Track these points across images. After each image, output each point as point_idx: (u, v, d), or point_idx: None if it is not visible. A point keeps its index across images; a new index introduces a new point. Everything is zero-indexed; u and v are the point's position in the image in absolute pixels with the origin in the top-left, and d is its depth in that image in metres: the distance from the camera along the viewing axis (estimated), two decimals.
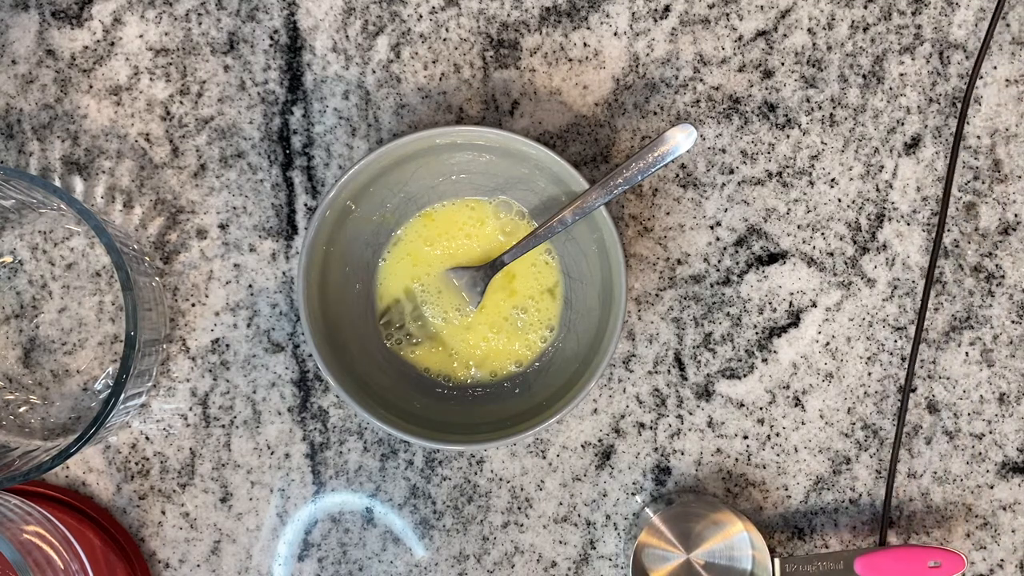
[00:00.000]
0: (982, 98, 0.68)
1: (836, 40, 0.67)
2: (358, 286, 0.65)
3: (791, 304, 0.68)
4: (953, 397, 0.68)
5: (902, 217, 0.68)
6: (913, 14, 0.68)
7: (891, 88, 0.68)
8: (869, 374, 0.68)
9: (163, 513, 0.66)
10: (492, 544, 0.67)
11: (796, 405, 0.68)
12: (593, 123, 0.67)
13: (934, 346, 0.68)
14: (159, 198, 0.67)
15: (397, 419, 0.60)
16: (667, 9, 0.67)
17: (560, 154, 0.59)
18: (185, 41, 0.67)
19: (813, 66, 0.67)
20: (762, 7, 0.67)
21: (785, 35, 0.67)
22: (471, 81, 0.67)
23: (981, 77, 0.68)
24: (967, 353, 0.68)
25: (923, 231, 0.68)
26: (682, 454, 0.67)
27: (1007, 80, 0.68)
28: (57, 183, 0.66)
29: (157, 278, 0.65)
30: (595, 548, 0.67)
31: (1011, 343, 0.68)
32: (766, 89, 0.67)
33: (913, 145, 0.68)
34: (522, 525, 0.67)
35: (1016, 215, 0.68)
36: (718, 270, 0.67)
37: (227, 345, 0.67)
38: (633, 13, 0.67)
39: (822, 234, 0.68)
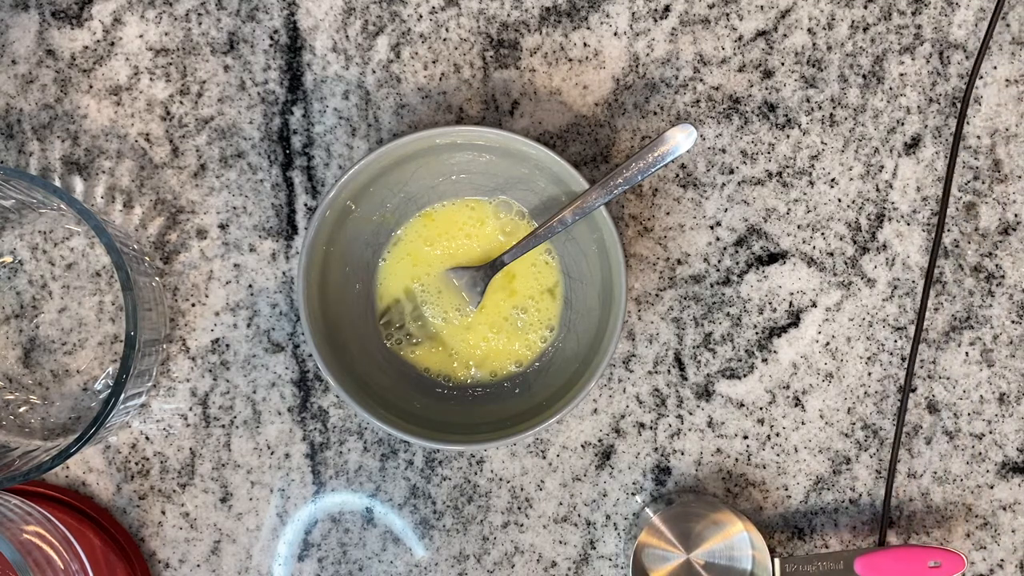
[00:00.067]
0: (982, 98, 0.68)
1: (836, 40, 0.67)
2: (358, 286, 0.65)
3: (791, 304, 0.68)
4: (953, 397, 0.68)
5: (902, 217, 0.68)
6: (913, 14, 0.68)
7: (891, 88, 0.68)
8: (869, 374, 0.68)
9: (163, 513, 0.66)
10: (492, 544, 0.67)
11: (796, 405, 0.68)
12: (593, 123, 0.67)
13: (934, 346, 0.68)
14: (159, 198, 0.67)
15: (397, 419, 0.60)
16: (667, 9, 0.67)
17: (560, 154, 0.59)
18: (185, 41, 0.67)
19: (813, 66, 0.67)
20: (762, 7, 0.67)
21: (785, 35, 0.67)
22: (471, 81, 0.67)
23: (981, 77, 0.68)
24: (967, 353, 0.68)
25: (923, 231, 0.68)
26: (682, 454, 0.67)
27: (1007, 80, 0.68)
28: (57, 183, 0.66)
29: (157, 278, 0.65)
30: (595, 548, 0.67)
31: (1011, 343, 0.68)
32: (766, 89, 0.67)
33: (913, 145, 0.68)
34: (522, 525, 0.67)
35: (1016, 215, 0.68)
36: (718, 270, 0.67)
37: (227, 345, 0.67)
38: (633, 13, 0.67)
39: (822, 234, 0.68)
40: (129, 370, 0.57)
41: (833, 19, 0.67)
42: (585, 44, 0.67)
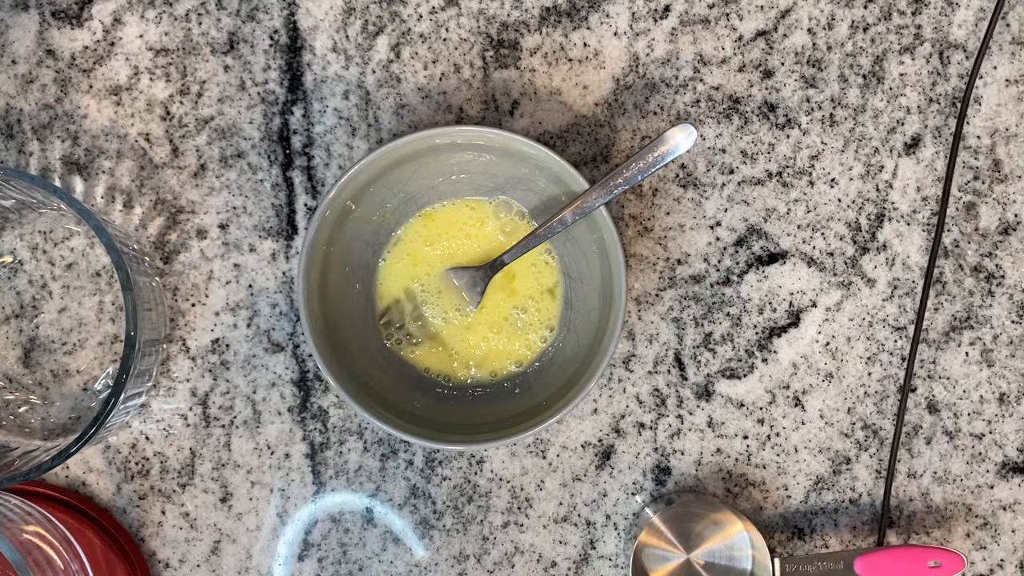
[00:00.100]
0: (982, 98, 0.68)
1: (836, 40, 0.67)
2: (358, 286, 0.65)
3: (791, 304, 0.68)
4: (953, 397, 0.68)
5: (902, 217, 0.68)
6: (913, 14, 0.68)
7: (891, 88, 0.68)
8: (869, 374, 0.68)
9: (163, 513, 0.66)
10: (492, 544, 0.67)
11: (796, 405, 0.68)
12: (593, 123, 0.67)
13: (934, 346, 0.68)
14: (159, 198, 0.67)
15: (397, 419, 0.60)
16: (667, 9, 0.67)
17: (560, 154, 0.59)
18: (185, 41, 0.67)
19: (813, 66, 0.67)
20: (762, 7, 0.67)
21: (785, 35, 0.67)
22: (471, 81, 0.67)
23: (981, 77, 0.68)
24: (967, 353, 0.68)
25: (923, 231, 0.68)
26: (682, 454, 0.67)
27: (1007, 80, 0.68)
28: (57, 183, 0.66)
29: (157, 278, 0.65)
30: (595, 548, 0.67)
31: (1011, 343, 0.68)
32: (766, 89, 0.67)
33: (913, 145, 0.68)
34: (522, 525, 0.67)
35: (1016, 215, 0.68)
36: (718, 270, 0.67)
37: (227, 345, 0.67)
38: (633, 13, 0.67)
39: (822, 234, 0.68)
40: (129, 370, 0.57)
41: (833, 19, 0.67)
42: (585, 44, 0.67)
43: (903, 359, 0.68)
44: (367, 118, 0.67)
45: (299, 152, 0.67)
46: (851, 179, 0.68)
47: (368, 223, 0.64)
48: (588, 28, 0.67)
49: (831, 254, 0.68)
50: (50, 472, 0.66)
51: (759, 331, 0.67)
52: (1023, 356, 0.68)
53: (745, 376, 0.67)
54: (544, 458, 0.67)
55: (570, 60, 0.67)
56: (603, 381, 0.67)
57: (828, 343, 0.68)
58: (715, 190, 0.67)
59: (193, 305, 0.67)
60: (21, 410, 0.66)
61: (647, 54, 0.67)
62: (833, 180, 0.68)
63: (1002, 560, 0.68)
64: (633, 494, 0.67)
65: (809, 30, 0.67)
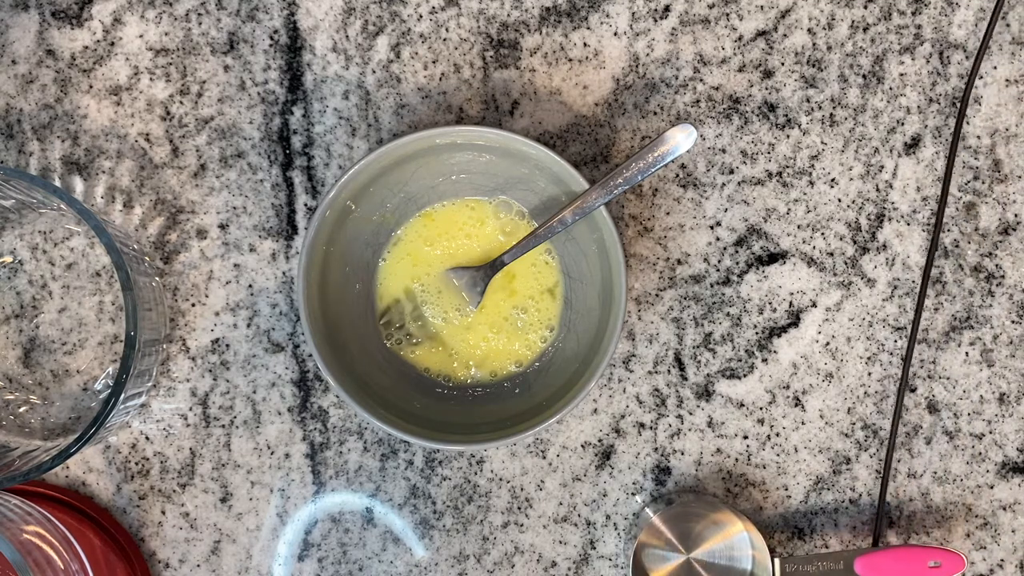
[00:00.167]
0: (982, 98, 0.68)
1: (836, 40, 0.67)
2: (358, 286, 0.65)
3: (791, 304, 0.68)
4: (953, 397, 0.68)
5: (902, 217, 0.68)
6: (913, 14, 0.68)
7: (891, 88, 0.68)
8: (869, 374, 0.68)
9: (163, 513, 0.66)
10: (492, 544, 0.67)
11: (796, 405, 0.68)
12: (593, 123, 0.67)
13: (934, 346, 0.68)
14: (159, 198, 0.67)
15: (397, 419, 0.60)
16: (667, 9, 0.67)
17: (560, 154, 0.59)
18: (185, 41, 0.67)
19: (813, 66, 0.67)
20: (762, 7, 0.67)
21: (785, 35, 0.67)
22: (471, 81, 0.67)
23: (981, 77, 0.68)
24: (967, 353, 0.68)
25: (923, 231, 0.68)
26: (682, 454, 0.67)
27: (1007, 80, 0.68)
28: (57, 183, 0.66)
29: (157, 278, 0.65)
30: (595, 548, 0.67)
31: (1011, 343, 0.68)
32: (766, 89, 0.67)
33: (913, 145, 0.68)
34: (522, 525, 0.67)
35: (1016, 215, 0.68)
36: (718, 270, 0.67)
37: (227, 345, 0.67)
38: (633, 13, 0.67)
39: (822, 234, 0.68)
40: (129, 370, 0.57)
41: (833, 19, 0.67)
42: (585, 44, 0.67)
43: (903, 359, 0.68)
44: (367, 118, 0.67)
45: (299, 152, 0.67)
46: (851, 179, 0.68)
47: (368, 223, 0.64)
48: (588, 28, 0.67)
49: (831, 254, 0.68)
50: (50, 472, 0.66)
51: (759, 331, 0.67)
52: (1023, 356, 0.68)
53: (745, 376, 0.67)
54: (544, 458, 0.67)
55: (570, 60, 0.67)
56: (603, 381, 0.67)
57: (828, 343, 0.68)
58: (715, 190, 0.67)
59: (193, 305, 0.67)
60: (21, 410, 0.66)
61: (647, 54, 0.67)
62: (833, 180, 0.68)
63: (1002, 560, 0.68)
64: (633, 494, 0.67)
65: (809, 30, 0.67)
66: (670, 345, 0.67)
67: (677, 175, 0.67)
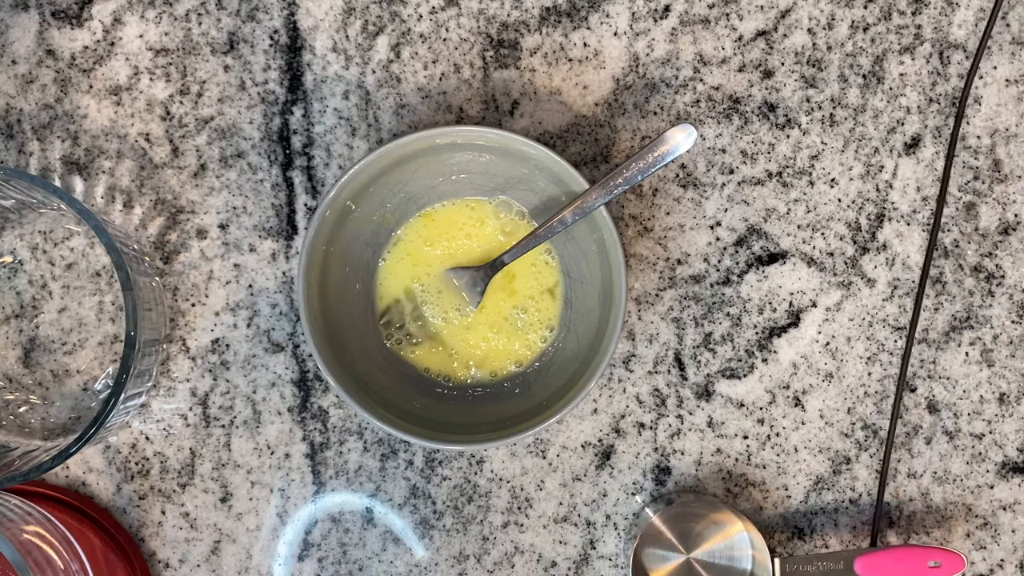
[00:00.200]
0: (982, 98, 0.68)
1: (836, 40, 0.67)
2: (358, 286, 0.65)
3: (791, 304, 0.68)
4: (953, 397, 0.68)
5: (902, 217, 0.68)
6: (913, 14, 0.68)
7: (891, 88, 0.68)
8: (869, 374, 0.68)
9: (163, 513, 0.66)
10: (492, 544, 0.67)
11: (796, 405, 0.68)
12: (593, 123, 0.67)
13: (934, 346, 0.68)
14: (159, 198, 0.67)
15: (397, 419, 0.60)
16: (667, 9, 0.67)
17: (560, 154, 0.59)
18: (185, 41, 0.67)
19: (813, 66, 0.67)
20: (762, 7, 0.67)
21: (785, 35, 0.67)
22: (471, 81, 0.67)
23: (981, 77, 0.68)
24: (967, 353, 0.68)
25: (923, 231, 0.68)
26: (682, 454, 0.67)
27: (1007, 80, 0.68)
28: (57, 183, 0.66)
29: (157, 278, 0.65)
30: (595, 548, 0.67)
31: (1011, 343, 0.68)
32: (766, 89, 0.67)
33: (913, 145, 0.68)
34: (522, 525, 0.67)
35: (1016, 215, 0.68)
36: (718, 270, 0.67)
37: (227, 345, 0.67)
38: (633, 13, 0.67)
39: (822, 234, 0.68)
40: (129, 370, 0.57)
41: (833, 19, 0.67)
42: (585, 44, 0.67)
43: (903, 359, 0.68)
44: (367, 118, 0.67)
45: (299, 152, 0.67)
46: (851, 179, 0.68)
47: (368, 223, 0.64)
48: (588, 28, 0.67)
49: (831, 254, 0.68)
50: (50, 472, 0.66)
51: (759, 331, 0.67)
52: (1023, 356, 0.68)
53: (745, 376, 0.67)
54: (544, 458, 0.67)
55: (570, 60, 0.67)
56: (603, 381, 0.67)
57: (828, 343, 0.68)
58: (715, 190, 0.67)
59: (193, 305, 0.67)
60: (21, 410, 0.66)
61: (647, 54, 0.67)
62: (833, 180, 0.68)
63: (1002, 560, 0.68)
64: (633, 494, 0.67)
65: (809, 30, 0.67)
66: (670, 345, 0.67)
67: (677, 175, 0.67)
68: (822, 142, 0.68)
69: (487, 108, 0.67)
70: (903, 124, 0.68)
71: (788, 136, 0.67)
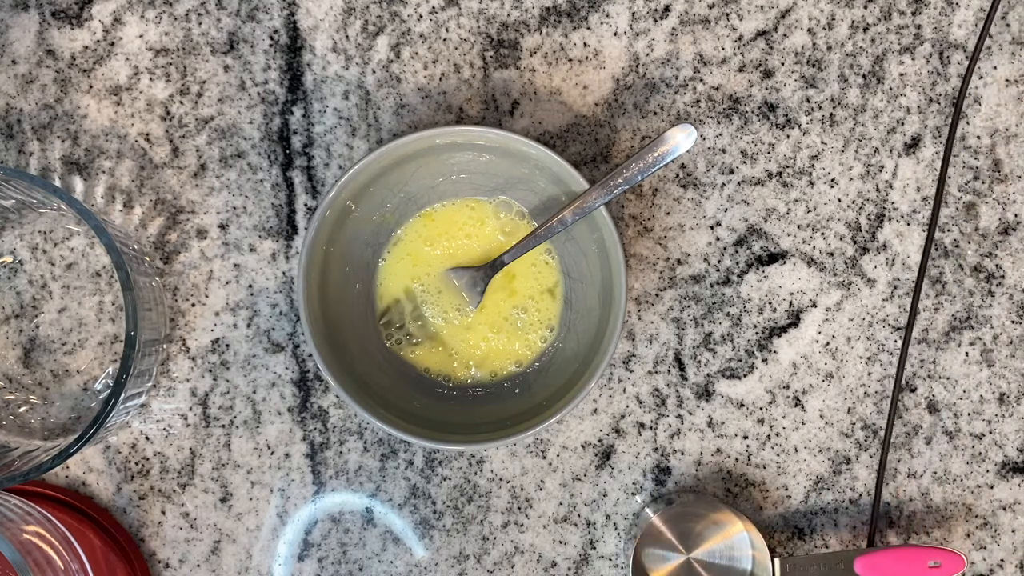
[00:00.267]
0: (982, 98, 0.68)
1: (836, 40, 0.67)
2: (358, 286, 0.65)
3: (791, 304, 0.68)
4: (953, 397, 0.68)
5: (902, 217, 0.68)
6: (913, 14, 0.68)
7: (891, 88, 0.68)
8: (869, 374, 0.68)
9: (163, 513, 0.66)
10: (492, 544, 0.67)
11: (796, 405, 0.68)
12: (593, 123, 0.67)
13: (934, 346, 0.68)
14: (159, 198, 0.67)
15: (397, 419, 0.60)
16: (667, 9, 0.67)
17: (560, 154, 0.59)
18: (185, 41, 0.67)
19: (813, 66, 0.67)
20: (762, 7, 0.67)
21: (785, 35, 0.67)
22: (471, 81, 0.67)
23: (981, 77, 0.68)
24: (967, 353, 0.68)
25: (923, 231, 0.68)
26: (682, 454, 0.67)
27: (1007, 80, 0.68)
28: (57, 183, 0.66)
29: (157, 278, 0.65)
30: (595, 548, 0.67)
31: (1011, 343, 0.68)
32: (766, 89, 0.67)
33: (913, 145, 0.68)
34: (522, 525, 0.67)
35: (1016, 215, 0.68)
36: (718, 270, 0.67)
37: (227, 345, 0.67)
38: (633, 13, 0.67)
39: (822, 234, 0.68)
40: (129, 370, 0.57)
41: (833, 19, 0.67)
42: (585, 44, 0.67)
43: (900, 359, 0.68)
44: (367, 118, 0.67)
45: (299, 152, 0.67)
46: (851, 179, 0.68)
47: (368, 223, 0.64)
48: (588, 28, 0.67)
49: (831, 254, 0.68)
50: (50, 472, 0.66)
51: (759, 331, 0.67)
52: (1023, 356, 0.68)
53: (745, 376, 0.67)
54: (544, 458, 0.67)
55: (570, 60, 0.67)
56: (603, 381, 0.67)
57: (828, 343, 0.68)
58: (715, 190, 0.67)
59: (193, 305, 0.67)
60: (21, 410, 0.66)
61: (647, 54, 0.67)
62: (833, 180, 0.68)
63: (1002, 560, 0.68)
64: (633, 494, 0.67)
65: (809, 30, 0.67)
66: (670, 345, 0.67)
67: (677, 175, 0.67)
68: (822, 142, 0.68)
69: (487, 108, 0.67)
70: (903, 124, 0.68)
71: (788, 136, 0.67)
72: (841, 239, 0.68)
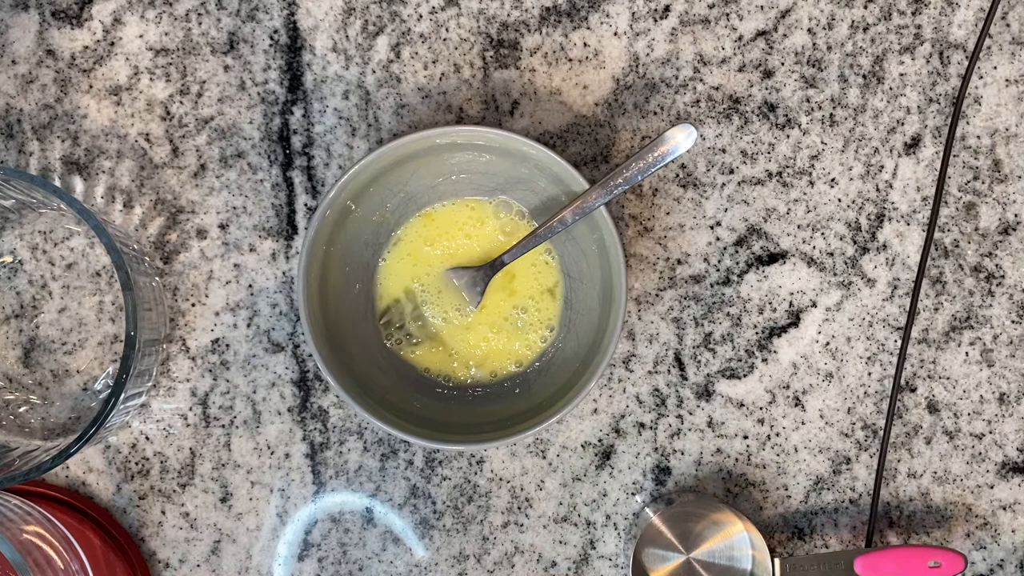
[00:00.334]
0: (982, 98, 0.68)
1: (836, 40, 0.67)
2: (358, 286, 0.65)
3: (791, 304, 0.68)
4: (953, 397, 0.68)
5: (902, 217, 0.68)
6: (913, 14, 0.68)
7: (891, 88, 0.68)
8: (869, 374, 0.68)
9: (163, 513, 0.66)
10: (492, 544, 0.67)
11: (796, 405, 0.68)
12: (593, 123, 0.67)
13: (934, 346, 0.68)
14: (159, 198, 0.67)
15: (397, 419, 0.60)
16: (667, 9, 0.67)
17: (560, 154, 0.59)
18: (185, 41, 0.67)
19: (813, 66, 0.67)
20: (762, 7, 0.67)
21: (785, 35, 0.67)
22: (471, 81, 0.67)
23: (981, 77, 0.68)
24: (967, 353, 0.68)
25: (923, 231, 0.68)
26: (682, 454, 0.67)
27: (1007, 80, 0.68)
28: (57, 183, 0.66)
29: (157, 278, 0.65)
30: (595, 548, 0.67)
31: (1011, 343, 0.68)
32: (766, 89, 0.67)
33: (913, 145, 0.68)
34: (522, 525, 0.67)
35: (1016, 215, 0.68)
36: (718, 270, 0.67)
37: (227, 345, 0.67)
38: (633, 13, 0.67)
39: (822, 234, 0.68)
40: (129, 370, 0.57)
41: (833, 19, 0.67)
42: (585, 44, 0.67)
43: (900, 358, 0.68)
44: (367, 118, 0.67)
45: (299, 152, 0.67)
46: (851, 179, 0.68)
47: (368, 223, 0.64)
48: (588, 28, 0.67)
49: (831, 254, 0.68)
50: (50, 472, 0.66)
51: (759, 331, 0.67)
52: (1023, 356, 0.68)
53: (745, 376, 0.67)
54: (544, 458, 0.67)
55: (570, 60, 0.67)
56: (603, 381, 0.67)
57: (828, 343, 0.68)
58: (715, 190, 0.67)
59: (193, 305, 0.67)
60: (21, 410, 0.66)
61: (647, 54, 0.67)
62: (833, 180, 0.68)
63: (1002, 560, 0.68)
64: (633, 494, 0.67)
65: (809, 30, 0.67)
66: (670, 345, 0.67)
67: (677, 175, 0.67)
68: (822, 142, 0.68)
69: (487, 108, 0.67)
70: (903, 124, 0.68)
71: (788, 136, 0.67)
72: (841, 239, 0.68)
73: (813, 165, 0.68)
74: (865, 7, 0.67)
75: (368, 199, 0.62)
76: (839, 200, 0.68)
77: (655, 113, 0.67)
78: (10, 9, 0.66)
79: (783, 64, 0.67)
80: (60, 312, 0.66)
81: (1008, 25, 0.68)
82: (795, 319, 0.68)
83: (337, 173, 0.67)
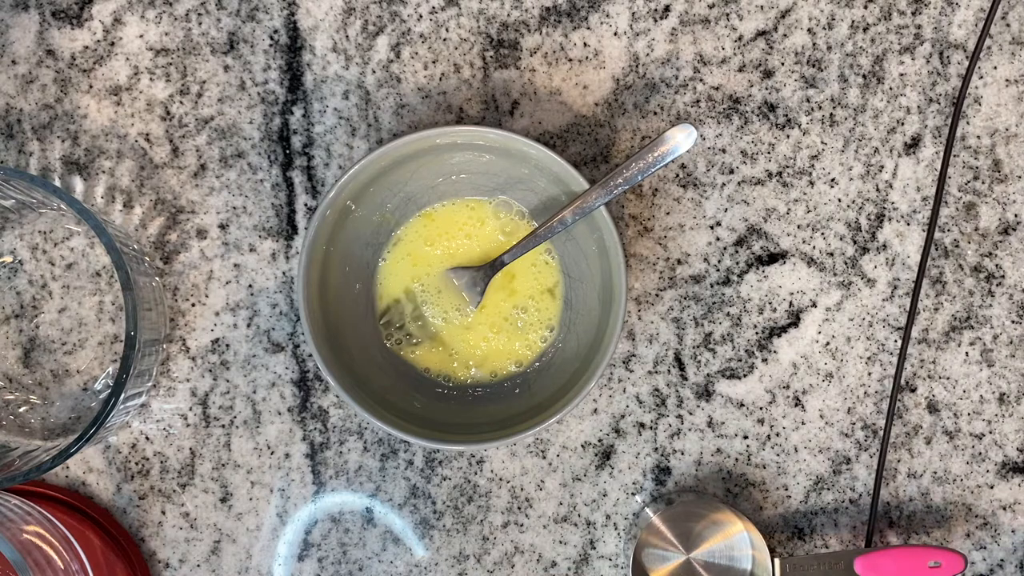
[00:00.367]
0: (982, 98, 0.68)
1: (836, 40, 0.67)
2: (358, 286, 0.65)
3: (791, 304, 0.68)
4: (953, 397, 0.68)
5: (902, 217, 0.68)
6: (913, 14, 0.68)
7: (891, 88, 0.68)
8: (869, 374, 0.68)
9: (163, 513, 0.66)
10: (492, 544, 0.67)
11: (796, 405, 0.68)
12: (593, 123, 0.67)
13: (934, 346, 0.68)
14: (159, 198, 0.67)
15: (397, 419, 0.60)
16: (667, 9, 0.67)
17: (560, 154, 0.59)
18: (185, 41, 0.67)
19: (813, 66, 0.67)
20: (762, 7, 0.67)
21: (785, 35, 0.67)
22: (471, 81, 0.67)
23: (981, 77, 0.68)
24: (967, 353, 0.68)
25: (923, 231, 0.68)
26: (682, 454, 0.67)
27: (1007, 80, 0.68)
28: (57, 183, 0.66)
29: (157, 278, 0.65)
30: (595, 548, 0.67)
31: (1011, 343, 0.68)
32: (766, 89, 0.67)
33: (913, 145, 0.68)
34: (522, 525, 0.67)
35: (1016, 215, 0.68)
36: (718, 270, 0.67)
37: (227, 345, 0.67)
38: (633, 13, 0.67)
39: (822, 234, 0.68)
40: (129, 370, 0.57)
41: (833, 19, 0.67)
42: (585, 44, 0.67)
43: (900, 358, 0.68)
44: (367, 118, 0.67)
45: (299, 152, 0.67)
46: (851, 179, 0.68)
47: (368, 223, 0.64)
48: (588, 28, 0.67)
49: (831, 254, 0.68)
50: (50, 472, 0.66)
51: (759, 331, 0.67)
52: (1023, 356, 0.68)
53: (745, 376, 0.67)
54: (544, 458, 0.67)
55: (570, 60, 0.67)
56: (603, 381, 0.67)
57: (828, 343, 0.68)
58: (715, 190, 0.67)
59: (193, 305, 0.67)
60: (21, 410, 0.66)
61: (647, 54, 0.67)
62: (833, 180, 0.68)
63: (1002, 560, 0.68)
64: (633, 494, 0.67)
65: (809, 30, 0.67)
66: (670, 345, 0.67)
67: (677, 175, 0.67)
68: (822, 142, 0.68)
69: (487, 108, 0.67)
70: (903, 124, 0.68)
71: (788, 136, 0.67)
72: (841, 239, 0.68)
73: (813, 165, 0.68)
74: (865, 7, 0.67)
75: (368, 199, 0.62)
76: (839, 200, 0.68)
77: (655, 113, 0.67)
78: (10, 9, 0.66)
79: (783, 64, 0.67)
80: (60, 312, 0.66)
81: (1008, 25, 0.68)
82: (795, 319, 0.68)
83: (337, 173, 0.67)
